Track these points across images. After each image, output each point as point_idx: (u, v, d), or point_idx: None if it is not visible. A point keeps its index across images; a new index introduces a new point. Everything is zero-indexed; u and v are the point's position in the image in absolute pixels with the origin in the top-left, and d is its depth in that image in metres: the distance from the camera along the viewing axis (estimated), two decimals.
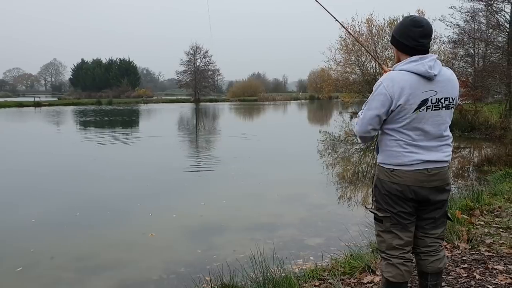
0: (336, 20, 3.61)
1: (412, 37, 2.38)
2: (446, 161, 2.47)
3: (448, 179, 2.51)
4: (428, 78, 2.36)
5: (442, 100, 2.39)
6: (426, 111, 2.36)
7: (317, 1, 3.40)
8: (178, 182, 9.33)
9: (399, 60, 2.49)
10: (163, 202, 7.70)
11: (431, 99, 2.37)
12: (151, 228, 6.13)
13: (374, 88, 2.44)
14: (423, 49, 2.39)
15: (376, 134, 2.52)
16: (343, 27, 4.22)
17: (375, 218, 2.57)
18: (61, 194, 8.44)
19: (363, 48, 28.87)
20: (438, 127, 2.41)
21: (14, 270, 4.79)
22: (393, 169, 2.44)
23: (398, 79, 2.36)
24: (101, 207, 7.39)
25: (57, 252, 5.34)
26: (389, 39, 25.76)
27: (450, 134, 2.51)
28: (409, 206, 2.45)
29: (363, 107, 2.50)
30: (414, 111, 2.35)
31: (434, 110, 2.38)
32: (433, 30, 2.53)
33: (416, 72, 2.35)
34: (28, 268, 4.85)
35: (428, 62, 2.35)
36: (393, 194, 2.44)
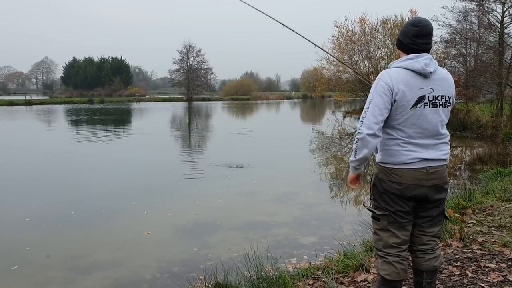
0: (316, 46, 3.62)
1: (407, 34, 2.44)
2: (444, 160, 2.50)
3: (446, 178, 2.53)
4: (423, 75, 2.39)
5: (439, 98, 2.43)
6: (424, 108, 2.40)
7: (298, 34, 3.43)
8: (173, 181, 9.31)
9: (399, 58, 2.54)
10: (158, 200, 7.68)
11: (428, 96, 2.40)
12: (147, 227, 6.12)
13: (373, 86, 2.45)
14: (418, 49, 2.43)
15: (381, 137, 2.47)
16: (327, 52, 4.23)
17: (372, 216, 2.58)
18: (55, 192, 8.40)
19: (356, 47, 29.00)
20: (435, 125, 2.44)
21: (10, 268, 4.79)
22: (392, 168, 2.45)
23: (394, 76, 2.39)
24: (95, 205, 7.35)
25: (52, 251, 5.32)
26: (382, 39, 25.72)
27: (447, 132, 2.54)
28: (407, 205, 2.47)
29: (365, 109, 2.43)
30: (412, 107, 2.38)
31: (432, 107, 2.42)
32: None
33: (411, 69, 2.39)
34: (23, 267, 4.84)
35: (423, 60, 2.39)
36: (392, 193, 2.46)
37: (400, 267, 2.50)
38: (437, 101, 2.42)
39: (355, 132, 2.50)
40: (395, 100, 2.37)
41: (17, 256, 5.12)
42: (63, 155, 13.09)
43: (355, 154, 2.46)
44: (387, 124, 2.45)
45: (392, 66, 2.49)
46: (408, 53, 2.45)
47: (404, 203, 2.46)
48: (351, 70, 29.88)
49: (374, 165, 2.64)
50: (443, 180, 2.50)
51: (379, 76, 2.45)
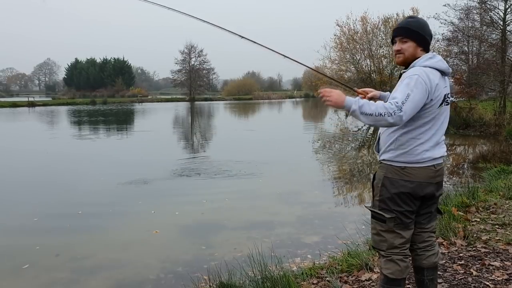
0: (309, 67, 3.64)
1: (430, 34, 2.52)
2: (444, 156, 2.57)
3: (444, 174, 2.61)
4: (446, 74, 2.47)
5: (449, 96, 2.50)
6: (444, 106, 2.46)
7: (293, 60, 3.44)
8: (179, 180, 9.32)
9: (412, 55, 2.48)
10: (164, 200, 7.69)
11: (446, 95, 2.46)
12: (154, 226, 6.15)
13: (412, 80, 2.30)
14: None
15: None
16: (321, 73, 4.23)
17: (375, 218, 2.53)
18: (62, 193, 8.43)
19: (358, 46, 28.94)
20: (446, 123, 2.52)
21: (21, 267, 4.83)
22: (405, 166, 2.44)
23: (431, 75, 2.36)
24: (102, 205, 7.37)
25: (60, 250, 5.35)
26: (384, 37, 25.67)
27: None
28: (415, 204, 2.49)
29: (404, 96, 2.26)
30: (439, 106, 2.42)
31: (445, 105, 2.48)
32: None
33: (439, 69, 2.43)
34: (33, 266, 4.88)
35: (442, 59, 2.47)
36: (404, 193, 2.43)
37: (403, 264, 2.51)
38: (448, 99, 2.49)
39: (392, 110, 2.28)
40: (431, 99, 2.36)
41: (27, 255, 5.16)
42: (68, 156, 13.10)
43: (364, 111, 2.25)
44: (416, 123, 2.39)
45: (421, 65, 2.41)
46: (426, 52, 2.50)
47: (413, 202, 2.47)
48: (353, 65, 29.88)
49: (370, 163, 2.65)
50: (443, 177, 2.58)
51: (417, 72, 2.34)
